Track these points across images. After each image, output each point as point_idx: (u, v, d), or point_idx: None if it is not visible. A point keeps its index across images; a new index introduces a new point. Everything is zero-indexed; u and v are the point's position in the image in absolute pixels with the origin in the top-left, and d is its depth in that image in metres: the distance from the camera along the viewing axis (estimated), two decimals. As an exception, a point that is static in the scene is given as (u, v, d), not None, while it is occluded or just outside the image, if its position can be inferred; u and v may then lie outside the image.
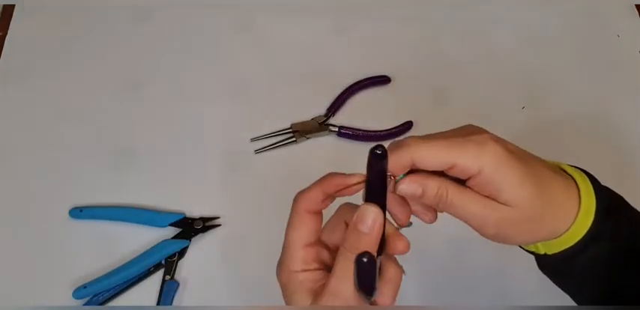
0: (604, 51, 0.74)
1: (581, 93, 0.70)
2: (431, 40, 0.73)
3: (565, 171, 0.38)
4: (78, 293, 0.55)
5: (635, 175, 0.65)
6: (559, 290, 0.42)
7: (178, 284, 0.56)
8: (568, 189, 0.36)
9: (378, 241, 0.33)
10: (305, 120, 0.66)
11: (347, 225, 0.36)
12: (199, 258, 0.58)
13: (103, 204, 0.60)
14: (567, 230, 0.36)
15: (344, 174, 0.35)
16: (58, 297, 0.56)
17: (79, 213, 0.59)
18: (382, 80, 0.69)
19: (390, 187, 0.35)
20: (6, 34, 0.71)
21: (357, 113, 0.67)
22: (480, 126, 0.38)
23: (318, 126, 0.66)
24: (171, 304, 0.55)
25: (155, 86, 0.68)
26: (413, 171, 0.35)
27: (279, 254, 0.37)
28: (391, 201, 0.36)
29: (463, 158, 0.33)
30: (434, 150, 0.34)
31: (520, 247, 0.41)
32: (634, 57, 0.73)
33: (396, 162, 0.34)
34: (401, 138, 0.36)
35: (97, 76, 0.69)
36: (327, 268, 0.36)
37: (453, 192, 0.35)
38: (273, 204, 0.61)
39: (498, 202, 0.34)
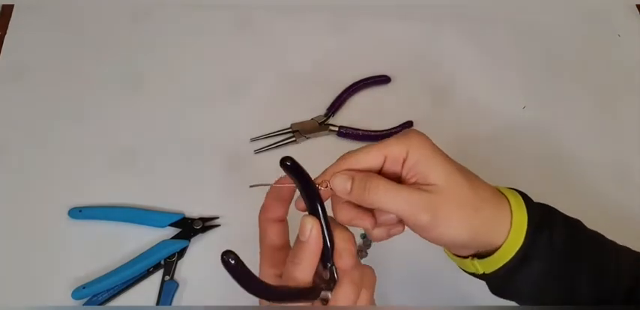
0: (604, 51, 0.74)
1: (581, 93, 0.70)
2: (431, 40, 0.73)
3: (499, 191, 0.39)
4: (77, 293, 0.54)
5: (635, 174, 0.65)
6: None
7: (178, 284, 0.56)
8: (499, 199, 0.37)
9: (318, 249, 0.34)
10: (305, 120, 0.66)
11: None
12: (199, 258, 0.58)
13: (103, 204, 0.60)
14: (500, 247, 0.36)
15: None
16: (57, 297, 0.55)
17: (78, 213, 0.59)
18: (382, 80, 0.69)
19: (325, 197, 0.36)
20: (5, 33, 0.71)
21: (357, 113, 0.67)
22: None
23: (318, 126, 0.66)
24: (170, 304, 0.55)
25: (155, 86, 0.68)
26: None
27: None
28: (347, 213, 0.37)
29: (390, 146, 0.36)
30: (364, 150, 0.36)
31: (463, 270, 0.41)
32: (634, 57, 0.73)
33: (333, 172, 0.36)
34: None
35: (97, 76, 0.69)
36: None
37: (382, 182, 0.35)
38: (272, 204, 0.61)
39: (428, 185, 0.35)
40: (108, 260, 0.57)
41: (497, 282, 0.39)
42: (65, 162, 0.63)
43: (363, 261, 0.44)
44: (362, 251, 0.56)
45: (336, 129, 0.65)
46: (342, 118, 0.67)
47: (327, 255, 0.35)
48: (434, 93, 0.69)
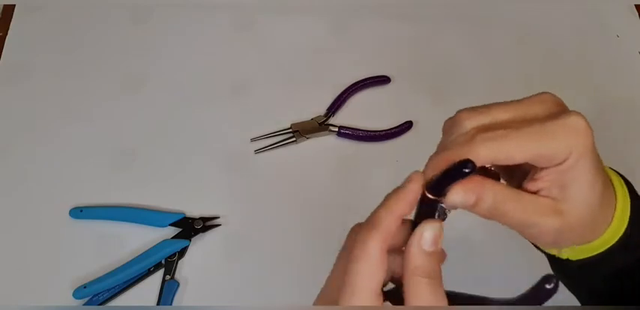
0: (604, 51, 0.74)
1: (581, 94, 0.70)
2: (431, 40, 0.73)
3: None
4: (78, 293, 0.55)
5: (635, 176, 0.65)
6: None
7: (178, 284, 0.56)
8: (609, 192, 0.32)
9: (413, 200, 0.28)
10: (305, 120, 0.66)
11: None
12: (199, 258, 0.58)
13: (103, 203, 0.60)
14: (600, 235, 0.32)
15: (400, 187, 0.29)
16: (58, 297, 0.56)
17: (79, 212, 0.59)
18: (382, 80, 0.69)
19: None
20: (6, 34, 0.71)
21: (357, 113, 0.67)
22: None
23: (318, 126, 0.66)
24: (171, 304, 0.55)
25: (155, 86, 0.69)
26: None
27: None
28: None
29: (553, 147, 0.28)
30: (518, 142, 0.27)
31: (537, 248, 0.36)
32: (634, 57, 0.73)
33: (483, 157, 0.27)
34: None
35: (97, 76, 0.69)
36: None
37: (510, 201, 0.28)
38: (273, 204, 0.62)
39: (559, 200, 0.29)
40: (109, 259, 0.57)
41: (574, 269, 0.34)
42: (66, 162, 0.63)
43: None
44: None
45: (336, 129, 0.65)
46: (342, 118, 0.67)
47: None
48: (434, 93, 0.69)
